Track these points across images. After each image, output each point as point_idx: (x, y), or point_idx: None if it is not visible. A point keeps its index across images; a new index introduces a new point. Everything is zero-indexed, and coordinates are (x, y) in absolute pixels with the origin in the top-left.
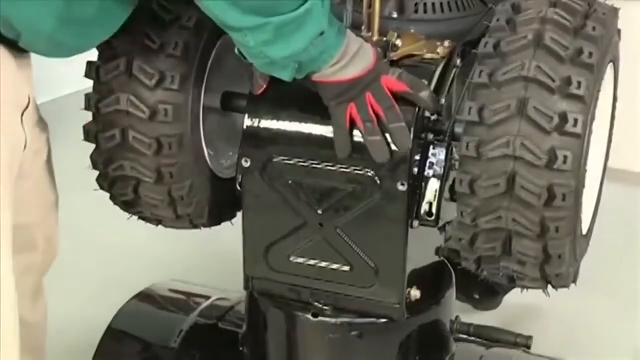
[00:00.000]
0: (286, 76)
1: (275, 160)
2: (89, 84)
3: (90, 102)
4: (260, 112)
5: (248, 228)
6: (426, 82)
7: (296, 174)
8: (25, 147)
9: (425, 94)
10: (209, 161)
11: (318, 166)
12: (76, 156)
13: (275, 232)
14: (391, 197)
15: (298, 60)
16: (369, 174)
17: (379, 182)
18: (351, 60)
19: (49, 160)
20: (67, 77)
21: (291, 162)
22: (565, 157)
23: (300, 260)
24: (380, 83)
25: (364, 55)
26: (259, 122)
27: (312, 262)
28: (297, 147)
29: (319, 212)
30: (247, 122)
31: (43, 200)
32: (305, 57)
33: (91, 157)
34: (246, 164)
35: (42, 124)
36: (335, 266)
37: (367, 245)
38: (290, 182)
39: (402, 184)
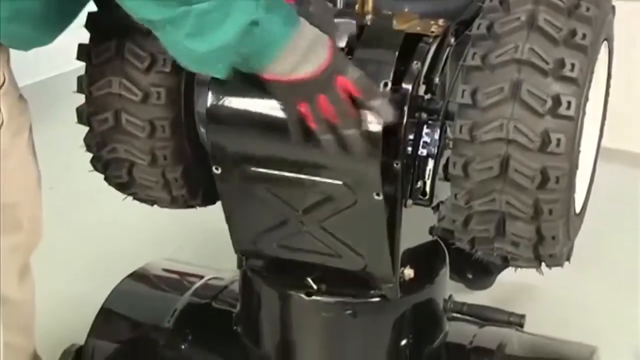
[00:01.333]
0: (220, 73)
1: (245, 169)
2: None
3: (82, 84)
4: (222, 122)
5: (230, 223)
6: (381, 90)
7: (270, 181)
8: (1, 125)
9: (377, 104)
10: (202, 141)
11: (291, 175)
12: (72, 136)
13: (257, 226)
14: (369, 204)
15: (233, 53)
16: (342, 183)
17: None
18: (303, 56)
19: (29, 140)
20: (69, 53)
21: (263, 171)
22: (559, 140)
23: (289, 246)
24: (335, 84)
25: (318, 51)
26: (222, 131)
27: (300, 250)
28: (268, 158)
29: (298, 212)
30: (211, 135)
31: (26, 180)
32: (244, 51)
33: (84, 139)
34: (217, 171)
35: (22, 104)
36: (324, 253)
37: (354, 237)
38: (264, 188)
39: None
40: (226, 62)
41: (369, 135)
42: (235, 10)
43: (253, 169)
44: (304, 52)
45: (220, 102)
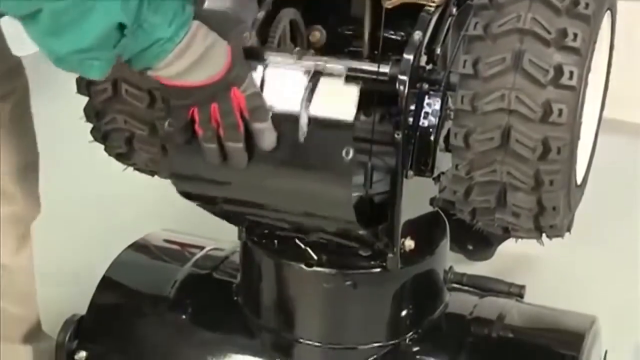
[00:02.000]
0: (94, 75)
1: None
2: None
3: None
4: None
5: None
6: (270, 113)
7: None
8: None
9: (260, 127)
10: None
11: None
12: (72, 106)
13: None
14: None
15: (104, 55)
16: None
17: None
18: (196, 62)
19: (21, 110)
20: None
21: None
22: (560, 110)
23: None
24: (229, 96)
25: (214, 58)
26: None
27: None
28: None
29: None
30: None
31: (16, 150)
32: (120, 52)
33: (84, 110)
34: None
35: (14, 71)
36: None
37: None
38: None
39: (397, 134)
40: (98, 64)
41: (337, 168)
42: (96, 11)
43: (223, 205)
44: (197, 58)
45: (185, 166)
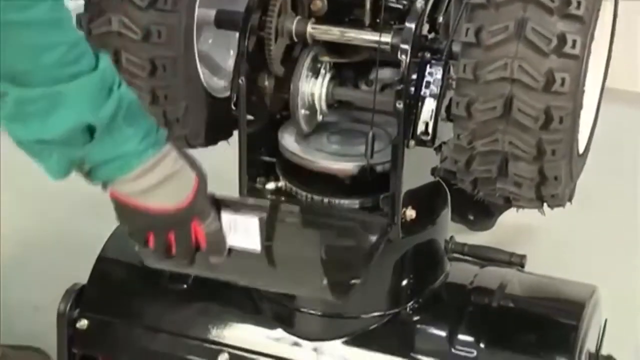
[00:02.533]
0: (52, 171)
1: None
2: None
3: (82, 22)
4: None
5: None
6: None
7: None
8: None
9: (215, 260)
10: (203, 81)
11: None
12: None
13: None
14: None
15: (65, 154)
16: None
17: None
18: (160, 185)
19: None
20: None
21: None
22: (563, 79)
23: None
24: (189, 227)
25: (180, 185)
26: None
27: None
28: None
29: None
30: None
31: None
32: (81, 155)
33: None
34: None
35: None
36: None
37: None
38: None
39: (399, 104)
40: (57, 159)
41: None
42: (65, 107)
43: None
44: (161, 181)
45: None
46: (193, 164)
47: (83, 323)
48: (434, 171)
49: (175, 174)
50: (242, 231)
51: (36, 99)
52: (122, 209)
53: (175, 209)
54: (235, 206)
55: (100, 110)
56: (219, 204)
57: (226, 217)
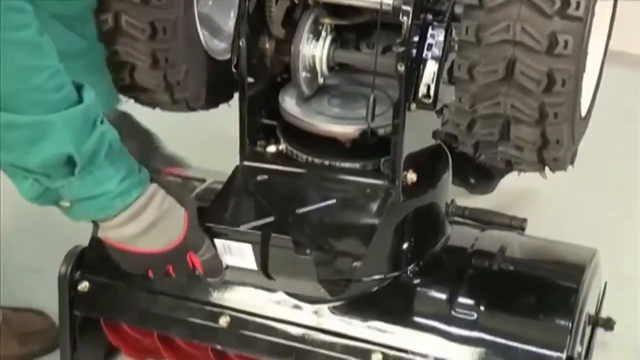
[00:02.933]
0: (26, 194)
1: None
2: None
3: None
4: None
5: None
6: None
7: None
8: None
9: (213, 282)
10: (204, 43)
11: None
12: None
13: None
14: None
15: (40, 184)
16: None
17: None
18: (151, 226)
19: None
20: None
21: None
22: (566, 42)
23: None
24: (185, 260)
25: (169, 226)
26: None
27: None
28: None
29: None
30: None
31: None
32: (57, 187)
33: None
34: None
35: None
36: None
37: None
38: None
39: (400, 66)
40: (30, 184)
41: None
42: (47, 137)
43: None
44: (149, 226)
45: None
46: (182, 197)
47: (84, 285)
48: (435, 134)
49: (163, 217)
50: (237, 254)
51: (22, 126)
52: (115, 251)
53: (168, 249)
54: (228, 233)
55: (83, 144)
56: (211, 231)
57: (220, 242)
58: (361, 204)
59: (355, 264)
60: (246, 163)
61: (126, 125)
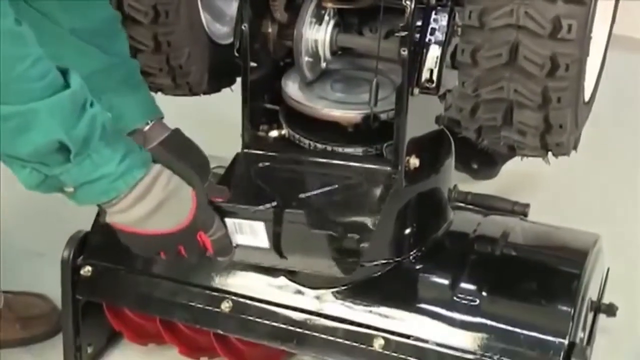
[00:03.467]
0: (25, 182)
1: None
2: None
3: None
4: None
5: None
6: (234, 250)
7: None
8: None
9: (223, 259)
10: (206, 27)
11: None
12: None
13: None
14: None
15: (37, 171)
16: None
17: None
18: (158, 207)
19: None
20: None
21: None
22: (570, 26)
23: None
24: (196, 239)
25: (177, 204)
26: None
27: None
28: None
29: None
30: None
31: None
32: (67, 177)
33: None
34: None
35: None
36: None
37: None
38: None
39: (403, 51)
40: (29, 172)
41: None
42: (35, 125)
43: None
44: (158, 203)
45: None
46: (190, 177)
47: (87, 270)
48: (438, 119)
49: (169, 198)
50: (249, 233)
51: (8, 117)
52: (124, 235)
53: (177, 230)
54: (238, 212)
55: (73, 128)
56: (221, 210)
57: (230, 221)
58: (363, 189)
59: (362, 244)
60: (247, 151)
61: (177, 144)
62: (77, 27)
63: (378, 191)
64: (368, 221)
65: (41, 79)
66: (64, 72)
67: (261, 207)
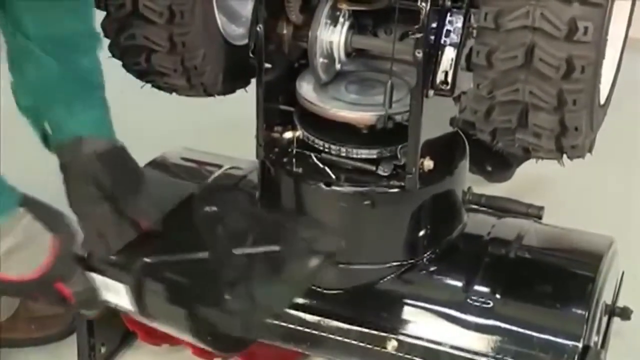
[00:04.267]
0: None
1: None
2: None
3: None
4: None
5: None
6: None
7: None
8: None
9: (87, 314)
10: (221, 28)
11: None
12: None
13: None
14: None
15: None
16: None
17: None
18: (9, 253)
19: None
20: None
21: None
22: (586, 28)
23: None
24: (52, 289)
25: (33, 253)
26: None
27: None
28: None
29: None
30: None
31: None
32: None
33: (101, 24)
34: None
35: None
36: None
37: None
38: None
39: (418, 52)
40: None
41: None
42: None
43: None
44: (11, 248)
45: None
46: (57, 225)
47: None
48: (452, 121)
49: (26, 243)
50: (114, 292)
51: None
52: None
53: (33, 278)
54: (105, 269)
55: None
56: (87, 263)
57: (98, 277)
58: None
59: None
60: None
61: (118, 161)
62: (41, 34)
63: (393, 193)
64: (382, 223)
65: None
66: None
67: (123, 270)
